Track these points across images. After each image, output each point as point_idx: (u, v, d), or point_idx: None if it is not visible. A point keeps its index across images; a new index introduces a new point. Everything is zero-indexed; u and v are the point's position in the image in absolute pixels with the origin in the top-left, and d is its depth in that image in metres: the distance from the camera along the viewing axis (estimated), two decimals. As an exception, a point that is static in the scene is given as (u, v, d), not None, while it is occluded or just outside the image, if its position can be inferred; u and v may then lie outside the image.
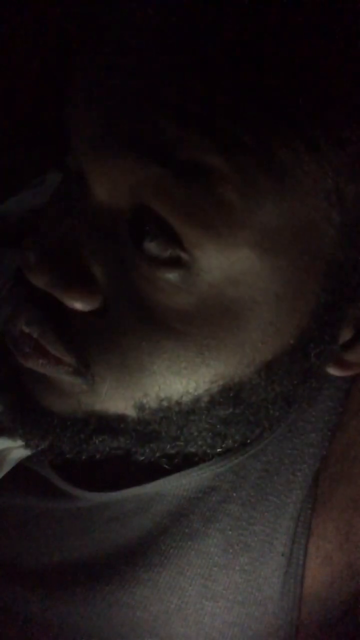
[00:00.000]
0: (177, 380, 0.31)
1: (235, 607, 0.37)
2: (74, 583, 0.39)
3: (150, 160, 0.27)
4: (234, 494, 0.38)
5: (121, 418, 0.33)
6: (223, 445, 0.36)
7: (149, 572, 0.38)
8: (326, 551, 0.36)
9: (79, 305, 0.31)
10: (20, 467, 0.40)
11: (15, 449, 0.39)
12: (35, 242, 0.31)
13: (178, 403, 0.32)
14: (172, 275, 0.29)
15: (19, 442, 0.38)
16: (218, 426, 0.34)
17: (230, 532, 0.37)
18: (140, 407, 0.33)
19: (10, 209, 0.51)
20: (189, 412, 0.33)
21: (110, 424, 0.34)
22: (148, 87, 0.27)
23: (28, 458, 0.40)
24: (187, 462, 0.37)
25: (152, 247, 0.29)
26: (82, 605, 0.38)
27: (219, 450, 0.36)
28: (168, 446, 0.35)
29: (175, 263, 0.29)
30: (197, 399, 0.32)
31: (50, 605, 0.39)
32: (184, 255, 0.28)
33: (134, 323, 0.31)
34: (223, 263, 0.28)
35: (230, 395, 0.32)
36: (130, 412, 0.33)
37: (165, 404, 0.32)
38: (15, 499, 0.41)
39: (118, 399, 0.33)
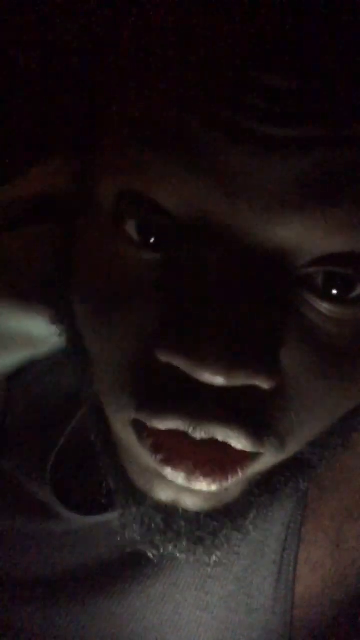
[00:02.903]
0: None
1: (228, 615, 0.37)
2: (66, 596, 0.39)
3: None
4: None
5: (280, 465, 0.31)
6: None
7: (142, 584, 0.38)
8: (317, 558, 0.37)
9: (268, 386, 0.26)
10: (15, 491, 0.40)
11: None
12: (211, 337, 0.24)
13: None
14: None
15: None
16: None
17: None
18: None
19: None
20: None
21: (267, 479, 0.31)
22: None
23: (27, 480, 0.40)
24: None
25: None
26: (75, 618, 0.38)
27: None
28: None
29: None
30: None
31: (42, 618, 0.39)
32: None
33: (316, 380, 0.27)
34: None
35: None
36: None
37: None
38: (6, 520, 0.41)
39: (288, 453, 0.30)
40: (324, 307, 0.26)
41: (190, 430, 0.26)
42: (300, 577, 0.37)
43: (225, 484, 0.28)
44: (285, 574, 0.37)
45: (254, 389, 0.26)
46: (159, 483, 0.30)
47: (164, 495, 0.30)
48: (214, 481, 0.28)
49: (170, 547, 0.31)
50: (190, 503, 0.30)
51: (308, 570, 0.37)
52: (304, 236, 0.25)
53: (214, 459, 0.27)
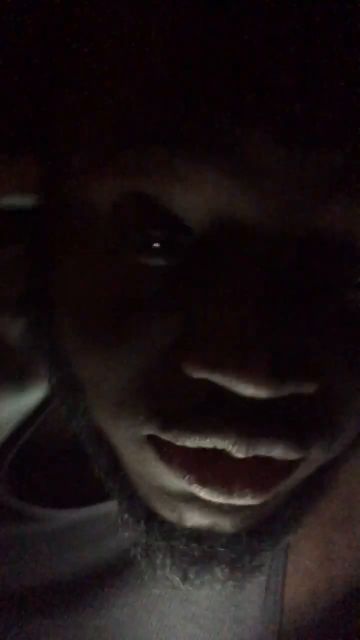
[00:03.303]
0: None
1: (216, 625, 0.37)
2: (48, 608, 0.38)
3: None
4: None
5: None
6: None
7: (127, 595, 0.37)
8: (305, 567, 0.36)
9: (314, 390, 0.24)
10: None
11: None
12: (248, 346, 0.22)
13: None
14: None
15: None
16: None
17: None
18: None
19: None
20: None
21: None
22: None
23: None
24: None
25: None
26: (58, 630, 0.37)
27: None
28: None
29: None
30: None
31: (24, 631, 0.38)
32: None
33: (353, 379, 0.25)
34: None
35: None
36: None
37: None
38: None
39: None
40: None
41: (232, 449, 0.24)
42: (289, 587, 0.36)
43: (268, 495, 0.26)
44: (274, 584, 0.36)
45: (297, 397, 0.24)
46: (190, 508, 0.27)
47: (197, 521, 0.27)
48: (258, 493, 0.25)
49: (207, 578, 0.29)
50: (229, 525, 0.27)
51: (297, 580, 0.36)
52: (344, 226, 0.23)
53: (254, 472, 0.25)
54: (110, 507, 0.37)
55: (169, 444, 0.25)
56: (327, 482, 0.30)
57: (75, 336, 0.27)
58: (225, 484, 0.25)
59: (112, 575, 0.38)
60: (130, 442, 0.27)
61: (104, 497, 0.36)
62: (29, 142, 0.34)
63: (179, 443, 0.25)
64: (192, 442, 0.24)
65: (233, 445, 0.24)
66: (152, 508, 0.29)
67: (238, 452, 0.24)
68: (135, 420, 0.25)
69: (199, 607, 0.37)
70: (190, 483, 0.25)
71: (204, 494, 0.25)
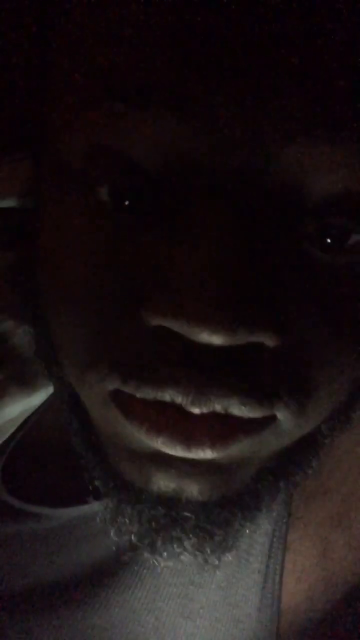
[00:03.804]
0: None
1: (213, 625, 0.36)
2: (45, 607, 0.38)
3: None
4: None
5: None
6: None
7: (124, 593, 0.37)
8: (303, 567, 0.36)
9: (274, 343, 0.24)
10: None
11: None
12: (203, 286, 0.22)
13: None
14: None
15: None
16: None
17: None
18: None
19: None
20: None
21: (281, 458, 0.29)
22: None
23: None
24: None
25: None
26: (55, 629, 0.37)
27: None
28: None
29: None
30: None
31: (20, 630, 0.38)
32: None
33: (321, 333, 0.25)
34: None
35: None
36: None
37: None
38: None
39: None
40: (320, 256, 0.25)
41: (187, 403, 0.24)
42: (286, 586, 0.36)
43: (228, 449, 0.25)
44: (271, 583, 0.36)
45: (257, 349, 0.23)
46: (155, 470, 0.27)
47: (163, 484, 0.27)
48: (217, 445, 0.25)
49: (175, 547, 0.29)
50: (195, 491, 0.27)
51: (294, 580, 0.36)
52: (306, 173, 0.23)
53: (213, 424, 0.25)
54: (101, 506, 0.37)
55: (131, 398, 0.25)
56: (306, 461, 0.29)
57: (50, 297, 0.27)
58: (182, 433, 0.25)
59: (109, 573, 0.37)
60: (97, 400, 0.27)
61: (99, 496, 0.36)
62: (23, 141, 0.34)
63: (139, 395, 0.25)
64: (150, 393, 0.24)
65: (187, 397, 0.24)
66: (122, 473, 0.28)
67: (192, 405, 0.24)
68: (99, 374, 0.25)
69: (195, 605, 0.37)
70: (148, 433, 0.25)
71: (161, 443, 0.25)
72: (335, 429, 0.29)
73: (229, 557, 0.36)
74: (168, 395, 0.24)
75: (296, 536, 0.36)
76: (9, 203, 0.36)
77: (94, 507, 0.37)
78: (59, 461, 0.40)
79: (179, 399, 0.24)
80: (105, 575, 0.37)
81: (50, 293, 0.27)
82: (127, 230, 0.25)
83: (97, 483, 0.31)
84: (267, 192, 0.23)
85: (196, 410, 0.24)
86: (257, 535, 0.36)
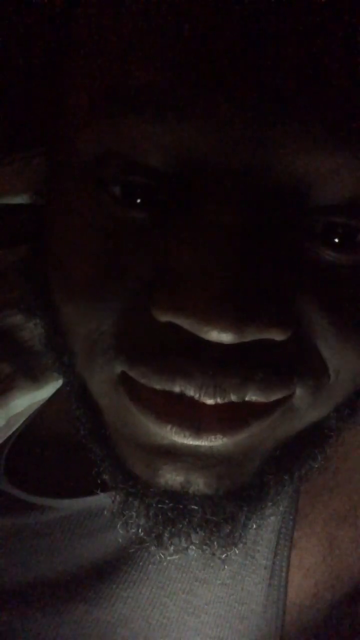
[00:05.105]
0: None
1: (217, 621, 0.36)
2: (49, 602, 0.38)
3: None
4: None
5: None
6: None
7: (129, 589, 0.37)
8: (309, 564, 0.36)
9: (282, 337, 0.24)
10: None
11: None
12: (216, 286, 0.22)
13: None
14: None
15: None
16: None
17: None
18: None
19: None
20: None
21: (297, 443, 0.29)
22: None
23: None
24: None
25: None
26: (59, 624, 0.37)
27: None
28: None
29: None
30: None
31: (24, 625, 0.38)
32: None
33: (331, 324, 0.25)
34: None
35: None
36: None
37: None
38: None
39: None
40: (327, 253, 0.25)
41: (200, 395, 0.24)
42: (293, 582, 0.36)
43: (241, 434, 0.25)
44: (277, 579, 0.36)
45: (267, 346, 0.24)
46: (163, 464, 0.27)
47: (170, 477, 0.27)
48: (229, 431, 0.25)
49: (182, 541, 0.29)
50: (202, 484, 0.27)
51: (300, 576, 0.36)
52: (308, 173, 0.23)
53: (224, 411, 0.25)
54: (110, 499, 0.37)
55: (139, 385, 0.25)
56: (312, 454, 0.30)
57: (61, 290, 0.28)
58: (192, 420, 0.25)
59: (113, 569, 0.37)
60: (106, 386, 0.27)
61: (104, 488, 0.36)
62: (35, 138, 0.35)
63: (144, 381, 0.25)
64: (159, 382, 0.24)
65: (200, 388, 0.24)
66: (129, 465, 0.29)
67: (207, 396, 0.24)
68: (106, 356, 0.26)
69: (200, 601, 0.37)
70: (157, 420, 0.25)
71: (170, 430, 0.25)
72: (343, 420, 0.30)
73: (235, 552, 0.36)
74: (178, 387, 0.24)
75: (302, 533, 0.36)
76: (20, 199, 0.36)
77: (99, 499, 0.37)
78: (63, 453, 0.40)
79: (190, 392, 0.24)
80: (110, 570, 0.37)
81: (61, 286, 0.28)
82: (137, 226, 0.25)
83: (104, 476, 0.31)
84: (271, 192, 0.23)
85: (210, 402, 0.24)
86: (263, 532, 0.36)
